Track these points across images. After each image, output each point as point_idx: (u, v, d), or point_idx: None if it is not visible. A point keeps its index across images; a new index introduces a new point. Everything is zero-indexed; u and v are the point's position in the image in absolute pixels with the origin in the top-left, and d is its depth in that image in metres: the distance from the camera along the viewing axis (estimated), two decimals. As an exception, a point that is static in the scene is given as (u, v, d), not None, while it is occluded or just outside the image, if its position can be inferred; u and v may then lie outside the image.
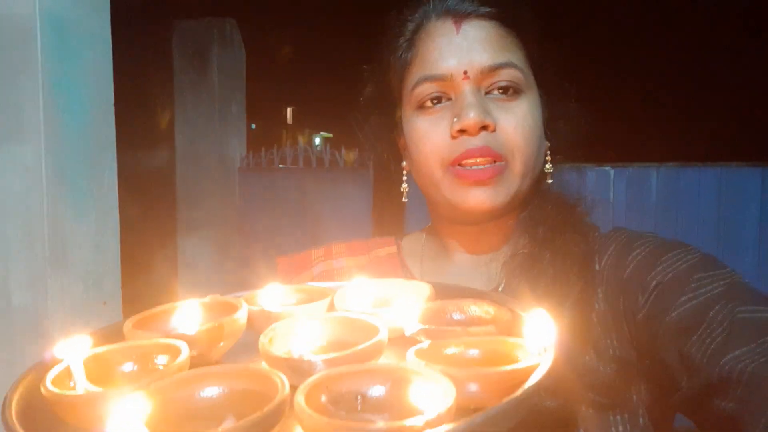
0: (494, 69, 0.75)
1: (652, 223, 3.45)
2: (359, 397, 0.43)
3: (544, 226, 0.78)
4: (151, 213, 4.03)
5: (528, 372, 0.43)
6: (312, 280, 0.91)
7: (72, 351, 0.45)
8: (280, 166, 4.36)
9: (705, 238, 3.34)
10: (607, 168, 3.53)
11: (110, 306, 1.98)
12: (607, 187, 3.51)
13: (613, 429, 0.71)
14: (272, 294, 0.64)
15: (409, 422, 0.35)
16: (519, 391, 0.40)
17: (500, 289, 0.80)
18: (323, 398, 0.42)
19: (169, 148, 4.35)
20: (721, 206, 3.35)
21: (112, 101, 2.01)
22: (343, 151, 4.07)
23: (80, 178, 1.88)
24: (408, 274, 0.90)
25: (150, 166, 4.25)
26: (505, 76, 0.76)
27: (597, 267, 0.77)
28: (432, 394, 0.39)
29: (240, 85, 4.56)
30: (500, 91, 0.77)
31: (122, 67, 2.11)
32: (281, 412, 0.39)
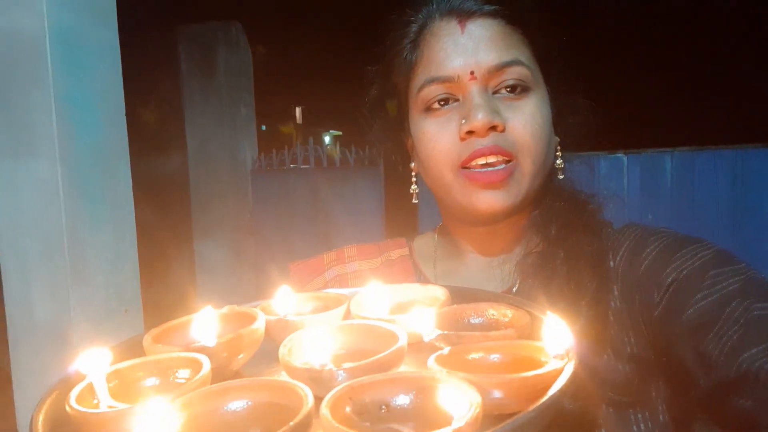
0: (501, 68, 0.75)
1: (667, 209, 3.41)
2: (383, 407, 0.43)
3: (557, 225, 0.77)
4: (167, 219, 4.06)
5: (552, 377, 0.42)
6: (325, 284, 0.92)
7: (94, 367, 0.46)
8: (291, 166, 4.37)
9: (722, 223, 3.29)
10: (619, 155, 3.49)
11: (131, 313, 2.00)
12: (621, 174, 3.47)
13: (634, 427, 0.70)
14: (288, 302, 0.64)
15: None
16: (546, 397, 0.40)
17: (514, 289, 0.79)
18: (348, 409, 0.42)
19: (181, 153, 4.39)
20: (737, 190, 3.30)
21: (124, 110, 2.02)
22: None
23: (96, 188, 1.90)
24: (421, 276, 0.89)
25: (163, 173, 4.29)
26: (513, 74, 0.75)
27: (611, 264, 0.77)
28: (457, 402, 0.39)
29: (248, 87, 4.57)
30: (508, 89, 0.75)
31: (132, 76, 2.13)
32: (308, 425, 0.39)
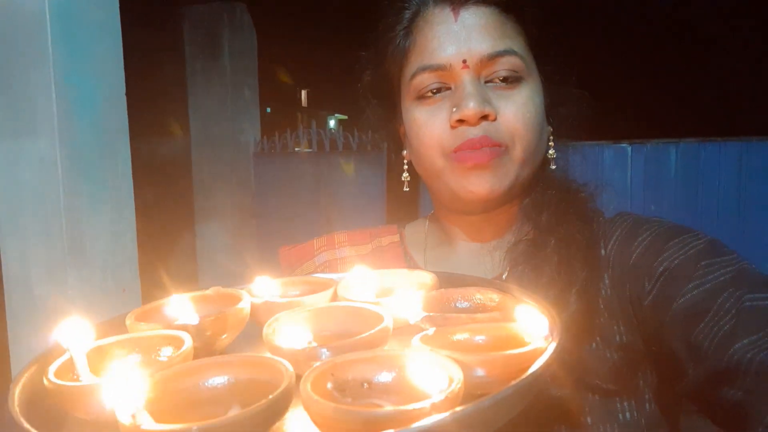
0: (494, 57, 0.74)
1: (671, 201, 3.40)
2: (365, 383, 0.43)
3: (548, 213, 0.76)
4: (169, 201, 4.07)
5: (534, 356, 0.42)
6: (315, 269, 0.92)
7: (75, 342, 0.46)
8: (296, 149, 4.36)
9: (726, 215, 3.28)
10: (624, 145, 3.47)
11: (130, 293, 2.01)
12: (625, 164, 3.46)
13: (620, 415, 0.70)
14: (275, 285, 0.64)
15: (416, 406, 0.35)
16: (526, 374, 0.40)
17: (504, 277, 0.79)
18: (329, 385, 0.42)
19: (184, 135, 4.38)
20: (742, 182, 3.28)
21: (124, 91, 2.01)
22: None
23: (95, 168, 1.89)
24: (411, 263, 0.89)
25: (165, 154, 4.28)
26: (505, 64, 0.74)
27: (602, 252, 0.76)
28: (439, 378, 0.39)
29: (252, 69, 4.54)
30: (500, 79, 0.74)
31: (133, 56, 2.12)
32: (288, 399, 0.39)
